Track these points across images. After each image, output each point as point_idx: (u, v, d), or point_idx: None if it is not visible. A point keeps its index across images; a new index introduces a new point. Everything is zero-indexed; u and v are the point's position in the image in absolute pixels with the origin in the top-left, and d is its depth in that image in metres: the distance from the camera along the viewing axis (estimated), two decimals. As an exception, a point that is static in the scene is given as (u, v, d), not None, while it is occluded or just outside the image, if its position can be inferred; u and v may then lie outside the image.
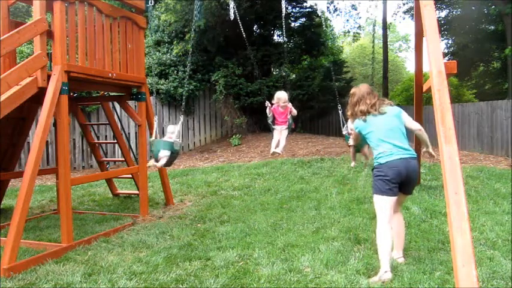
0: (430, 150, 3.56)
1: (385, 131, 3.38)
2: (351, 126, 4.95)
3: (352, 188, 6.49)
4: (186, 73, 6.54)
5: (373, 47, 5.29)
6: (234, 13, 5.61)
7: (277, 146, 5.21)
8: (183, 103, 5.85)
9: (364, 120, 3.47)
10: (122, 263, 3.68)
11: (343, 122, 5.35)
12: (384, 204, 3.27)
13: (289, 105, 5.12)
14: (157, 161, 4.74)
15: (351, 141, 4.72)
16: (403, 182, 3.32)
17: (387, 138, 3.35)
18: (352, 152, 4.74)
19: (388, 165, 3.27)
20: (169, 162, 4.80)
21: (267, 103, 5.15)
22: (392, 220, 3.40)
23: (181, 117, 5.27)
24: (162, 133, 5.99)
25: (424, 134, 3.48)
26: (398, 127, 3.39)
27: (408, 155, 3.31)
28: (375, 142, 3.41)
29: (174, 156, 4.78)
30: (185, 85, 8.98)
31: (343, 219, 4.87)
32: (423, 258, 3.58)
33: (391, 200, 3.28)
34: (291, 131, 5.62)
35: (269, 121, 5.24)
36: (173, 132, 4.81)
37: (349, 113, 3.66)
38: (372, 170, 3.45)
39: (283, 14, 5.64)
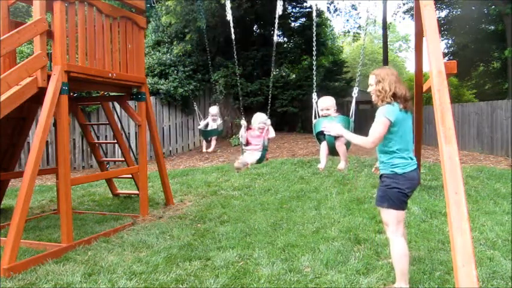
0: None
1: (409, 135, 2.97)
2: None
3: (352, 188, 6.49)
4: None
5: (363, 45, 4.82)
6: (230, 14, 5.51)
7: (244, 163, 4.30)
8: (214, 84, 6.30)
9: (399, 110, 2.87)
10: (122, 263, 3.68)
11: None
12: (401, 218, 2.93)
13: (267, 126, 4.35)
14: (208, 146, 5.41)
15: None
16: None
17: (409, 145, 2.96)
18: (325, 150, 3.63)
19: (406, 177, 2.88)
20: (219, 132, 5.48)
21: (243, 121, 4.43)
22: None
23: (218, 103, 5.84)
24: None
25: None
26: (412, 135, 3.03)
27: (416, 165, 3.01)
28: (397, 146, 2.88)
29: (218, 136, 5.56)
30: (187, 85, 8.92)
31: (343, 219, 4.87)
32: (423, 258, 3.58)
33: (404, 213, 3.01)
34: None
35: (241, 140, 4.45)
36: (215, 114, 5.32)
37: (384, 92, 2.90)
38: (381, 177, 3.01)
39: (278, 14, 5.13)
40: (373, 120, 2.90)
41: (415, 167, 2.96)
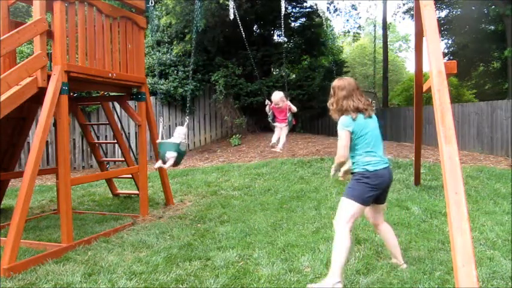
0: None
1: (375, 137, 3.16)
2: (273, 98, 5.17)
3: (352, 188, 6.48)
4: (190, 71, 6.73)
5: (374, 48, 5.28)
6: (234, 13, 5.68)
7: (277, 143, 5.34)
8: (188, 104, 6.19)
9: (354, 119, 3.09)
10: (121, 263, 3.68)
11: None
12: (356, 211, 3.05)
13: (288, 103, 5.17)
14: (164, 162, 4.88)
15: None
16: (381, 193, 3.18)
17: (376, 146, 3.15)
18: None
19: (377, 174, 3.06)
20: (176, 163, 4.91)
21: (267, 101, 5.22)
22: (380, 232, 3.42)
23: (187, 119, 5.57)
24: (169, 134, 5.99)
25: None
26: (380, 136, 3.23)
27: (388, 164, 3.18)
28: (364, 148, 3.10)
29: (180, 156, 4.90)
30: (186, 85, 8.98)
31: (343, 219, 4.87)
32: (423, 258, 3.58)
33: (363, 209, 3.15)
34: (292, 127, 5.70)
35: (269, 119, 5.32)
36: (181, 133, 4.92)
37: (333, 107, 3.20)
38: (352, 173, 3.18)
39: (283, 14, 5.76)
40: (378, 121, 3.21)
41: (387, 165, 3.15)
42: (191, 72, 6.33)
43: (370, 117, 3.17)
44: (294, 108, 5.20)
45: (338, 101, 3.14)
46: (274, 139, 5.37)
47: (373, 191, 3.06)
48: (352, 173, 3.19)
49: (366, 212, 3.35)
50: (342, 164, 3.18)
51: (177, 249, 4.01)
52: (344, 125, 3.08)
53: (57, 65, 4.19)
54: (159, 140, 5.00)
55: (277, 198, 6.18)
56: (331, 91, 3.23)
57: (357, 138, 3.09)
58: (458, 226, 2.30)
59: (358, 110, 3.08)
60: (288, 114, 5.19)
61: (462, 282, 2.12)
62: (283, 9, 5.66)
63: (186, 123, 5.27)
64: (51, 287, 3.22)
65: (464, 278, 2.13)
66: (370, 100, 3.22)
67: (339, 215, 3.08)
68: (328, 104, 3.26)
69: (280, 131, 5.31)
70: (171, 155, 4.80)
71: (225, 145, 12.05)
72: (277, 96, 5.13)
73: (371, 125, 3.16)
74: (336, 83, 3.22)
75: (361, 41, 30.84)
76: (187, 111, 6.14)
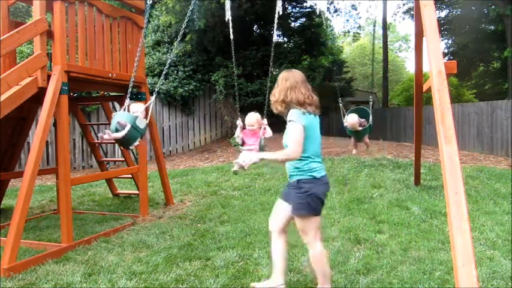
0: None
1: (319, 139, 2.91)
2: (349, 119, 5.13)
3: (352, 188, 6.48)
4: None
5: (373, 49, 5.22)
6: (229, 14, 5.38)
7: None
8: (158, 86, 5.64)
9: (304, 113, 2.78)
10: (121, 263, 3.68)
11: (343, 112, 5.48)
12: (319, 223, 2.90)
13: (265, 126, 4.05)
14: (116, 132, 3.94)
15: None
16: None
17: (319, 150, 2.90)
18: (354, 141, 5.38)
19: (323, 181, 2.82)
20: (127, 140, 3.99)
21: (239, 122, 4.18)
22: (283, 241, 3.15)
23: (153, 97, 4.31)
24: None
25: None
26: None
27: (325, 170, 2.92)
28: (311, 151, 2.79)
29: (135, 133, 3.99)
30: (186, 85, 8.90)
31: (343, 219, 4.87)
32: (423, 258, 3.58)
33: (318, 219, 2.91)
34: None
35: (237, 142, 4.26)
36: (137, 111, 4.11)
37: (274, 97, 2.91)
38: (296, 182, 2.82)
39: (278, 14, 5.21)
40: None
41: (325, 171, 2.91)
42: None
43: (315, 115, 2.88)
44: (270, 133, 4.10)
45: (280, 91, 2.85)
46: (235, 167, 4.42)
47: (321, 200, 2.84)
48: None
49: (279, 215, 3.16)
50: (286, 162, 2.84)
51: (177, 249, 4.01)
52: (297, 118, 2.73)
53: (57, 65, 4.19)
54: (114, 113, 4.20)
55: (277, 198, 6.16)
56: (276, 82, 2.97)
57: (307, 136, 2.76)
58: (458, 226, 2.30)
59: (300, 104, 2.79)
60: (261, 139, 4.10)
61: (462, 282, 2.12)
62: (279, 9, 5.23)
63: (150, 101, 4.29)
64: (51, 287, 3.22)
65: (464, 278, 2.13)
66: (314, 97, 2.89)
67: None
68: (270, 95, 2.99)
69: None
70: (123, 123, 3.89)
71: (225, 145, 12.05)
72: (253, 118, 4.06)
73: (316, 125, 2.88)
74: (281, 74, 2.96)
75: (361, 41, 30.84)
76: (157, 90, 4.99)
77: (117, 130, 3.91)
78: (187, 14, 4.59)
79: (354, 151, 5.63)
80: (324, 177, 2.83)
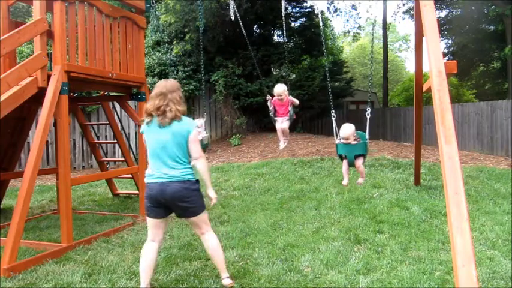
0: (209, 191, 3.21)
1: (159, 149, 3.01)
2: (344, 129, 4.18)
3: (352, 188, 6.48)
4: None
5: (371, 49, 5.15)
6: (235, 13, 5.64)
7: (284, 140, 5.34)
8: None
9: (148, 124, 3.07)
10: (121, 263, 3.68)
11: (335, 130, 4.38)
12: (148, 223, 3.18)
13: (289, 97, 5.11)
14: None
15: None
16: (168, 206, 3.05)
17: (157, 157, 3.03)
18: (345, 167, 4.26)
19: (148, 187, 3.06)
20: None
21: (268, 96, 5.20)
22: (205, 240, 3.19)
23: (205, 114, 5.48)
24: None
25: (204, 168, 3.11)
26: (175, 147, 3.01)
27: (170, 180, 2.98)
28: (148, 158, 3.12)
29: (204, 150, 4.71)
30: (187, 85, 8.90)
31: (343, 219, 4.87)
32: (423, 258, 3.58)
33: (152, 221, 3.11)
34: (293, 127, 5.63)
35: (270, 114, 5.23)
36: (201, 126, 4.76)
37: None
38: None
39: (283, 13, 5.67)
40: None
41: (161, 180, 3.06)
42: None
43: (165, 126, 2.99)
44: (296, 101, 5.15)
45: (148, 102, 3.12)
46: (281, 141, 5.37)
47: (149, 203, 3.07)
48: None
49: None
50: None
51: (177, 249, 4.01)
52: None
53: (57, 65, 4.19)
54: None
55: (277, 198, 6.18)
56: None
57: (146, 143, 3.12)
58: (458, 226, 2.30)
59: (147, 113, 3.06)
60: (289, 108, 5.14)
61: (462, 282, 2.12)
62: (283, 9, 5.57)
63: (204, 119, 5.06)
64: (51, 287, 3.23)
65: (464, 278, 2.13)
66: (162, 106, 2.99)
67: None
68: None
69: (281, 124, 5.24)
70: None
71: (225, 145, 12.05)
72: (281, 88, 5.04)
73: (162, 135, 2.99)
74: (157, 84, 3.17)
75: (361, 41, 30.84)
76: (204, 107, 6.06)
77: None
78: (200, 12, 4.93)
79: (345, 181, 4.36)
80: (149, 184, 3.08)
